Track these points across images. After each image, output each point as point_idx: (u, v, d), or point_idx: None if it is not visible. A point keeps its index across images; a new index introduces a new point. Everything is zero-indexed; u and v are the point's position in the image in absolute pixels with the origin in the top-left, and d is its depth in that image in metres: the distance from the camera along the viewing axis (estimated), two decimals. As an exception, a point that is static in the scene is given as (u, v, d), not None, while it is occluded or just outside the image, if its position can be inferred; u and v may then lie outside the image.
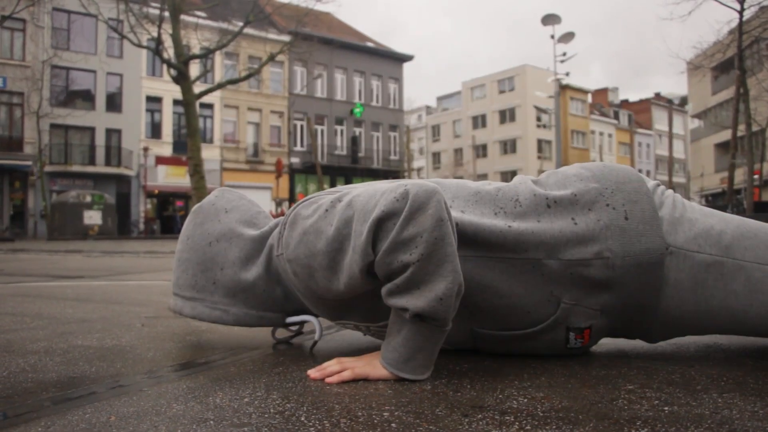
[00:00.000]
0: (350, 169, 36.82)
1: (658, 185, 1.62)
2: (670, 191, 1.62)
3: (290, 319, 1.72)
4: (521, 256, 1.46)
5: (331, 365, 1.42)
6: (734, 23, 19.33)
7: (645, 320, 1.54)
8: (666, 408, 1.14)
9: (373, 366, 1.40)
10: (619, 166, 1.61)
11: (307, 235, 1.46)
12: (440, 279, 1.29)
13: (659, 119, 64.19)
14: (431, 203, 1.30)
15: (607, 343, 1.77)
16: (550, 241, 1.46)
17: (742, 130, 22.47)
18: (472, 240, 1.46)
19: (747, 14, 19.26)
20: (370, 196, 1.38)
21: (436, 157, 60.43)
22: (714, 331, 1.58)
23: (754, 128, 23.76)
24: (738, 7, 18.61)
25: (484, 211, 1.52)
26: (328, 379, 1.37)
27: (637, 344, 1.76)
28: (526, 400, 1.21)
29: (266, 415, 1.13)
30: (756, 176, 25.41)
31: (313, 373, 1.42)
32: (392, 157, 39.49)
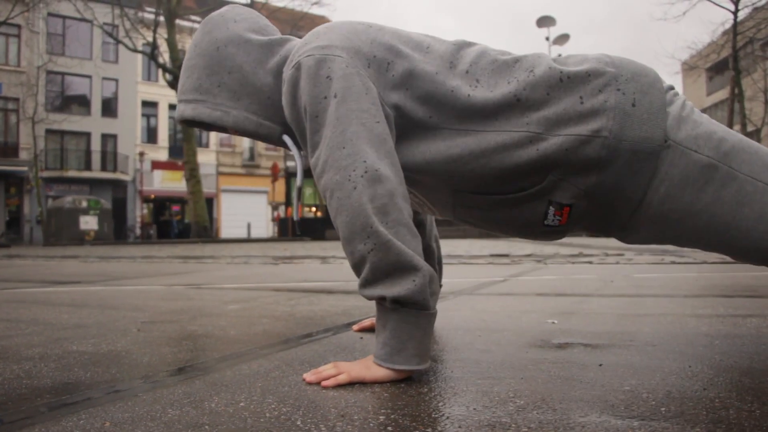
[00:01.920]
0: (347, 173, 36.68)
1: (673, 88, 1.60)
2: (683, 96, 1.61)
3: (286, 138, 1.68)
4: (522, 129, 1.47)
5: (327, 369, 1.42)
6: (729, 24, 19.40)
7: (626, 210, 1.52)
8: (662, 409, 1.14)
9: (368, 368, 1.40)
10: (641, 63, 1.60)
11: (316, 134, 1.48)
12: (409, 267, 1.36)
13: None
14: (374, 207, 1.37)
15: (601, 343, 1.77)
16: (552, 117, 1.47)
17: (737, 130, 22.54)
18: (480, 112, 1.49)
19: (741, 15, 19.33)
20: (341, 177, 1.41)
21: (433, 159, 60.32)
22: (690, 241, 1.56)
23: (750, 129, 23.85)
24: (732, 7, 18.67)
25: (499, 81, 1.52)
26: (324, 383, 1.37)
27: (634, 345, 1.76)
28: (522, 402, 1.21)
29: (262, 420, 1.12)
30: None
31: (308, 376, 1.41)
32: (388, 159, 39.38)
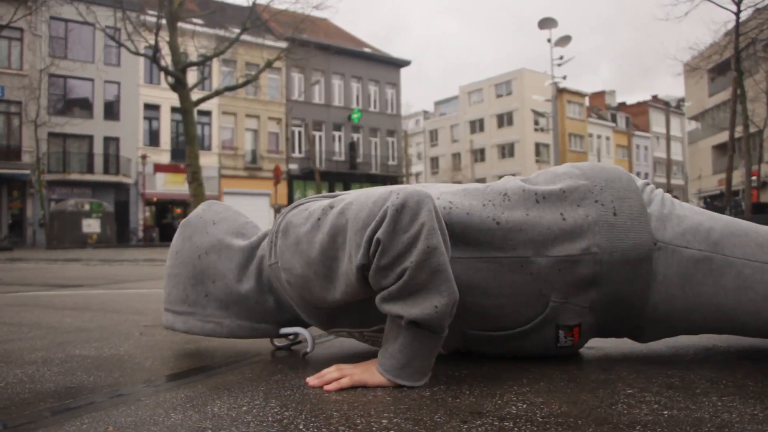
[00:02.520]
0: (348, 175, 36.83)
1: (648, 184, 1.62)
2: (660, 190, 1.63)
3: (284, 330, 1.71)
4: (510, 254, 1.46)
5: (330, 372, 1.42)
6: (731, 24, 19.37)
7: (633, 317, 1.54)
8: (665, 412, 1.14)
9: (371, 373, 1.40)
10: (610, 166, 1.62)
11: (300, 245, 1.46)
12: (434, 291, 1.30)
13: (657, 121, 64.31)
14: (422, 212, 1.30)
15: (605, 347, 1.77)
16: (538, 238, 1.47)
17: (739, 131, 22.50)
18: (461, 238, 1.46)
19: (743, 15, 19.30)
20: (362, 204, 1.37)
21: (435, 161, 60.51)
22: (703, 330, 1.58)
23: (752, 130, 23.82)
24: (734, 8, 18.64)
25: (473, 203, 1.52)
26: (326, 387, 1.37)
27: (636, 348, 1.76)
28: (525, 406, 1.20)
29: (264, 424, 1.12)
30: (754, 178, 25.44)
31: (311, 380, 1.41)
32: (390, 162, 39.51)
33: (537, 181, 1.60)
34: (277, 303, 1.67)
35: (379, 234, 1.30)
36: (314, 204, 1.52)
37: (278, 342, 1.90)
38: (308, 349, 1.71)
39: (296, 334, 1.78)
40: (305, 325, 1.73)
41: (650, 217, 1.51)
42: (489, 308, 1.49)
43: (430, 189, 1.59)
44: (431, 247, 1.29)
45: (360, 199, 1.40)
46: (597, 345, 1.80)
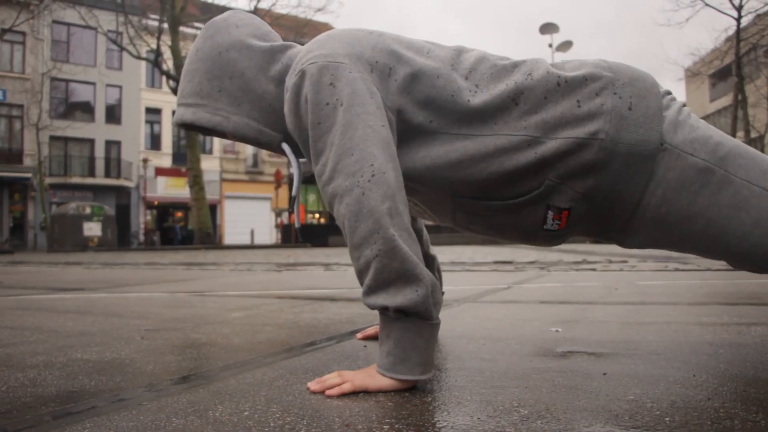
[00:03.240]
0: (350, 179, 36.73)
1: (670, 93, 1.61)
2: (681, 101, 1.62)
3: (285, 146, 1.68)
4: (521, 133, 1.47)
5: (331, 378, 1.42)
6: (732, 30, 19.40)
7: (624, 214, 1.53)
8: (667, 419, 1.14)
9: (372, 377, 1.40)
10: (638, 69, 1.60)
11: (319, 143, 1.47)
12: (412, 277, 1.35)
13: (658, 126, 64.12)
14: (383, 210, 1.36)
15: (605, 352, 1.77)
16: (550, 120, 1.47)
17: (740, 137, 22.52)
18: (479, 116, 1.49)
19: (744, 21, 19.33)
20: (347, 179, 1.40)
21: (436, 166, 60.37)
22: (687, 246, 1.56)
23: (753, 135, 23.82)
24: (735, 14, 18.68)
25: (497, 85, 1.52)
26: (328, 392, 1.37)
27: (636, 353, 1.76)
28: (527, 412, 1.20)
29: (266, 429, 1.12)
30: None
31: (313, 385, 1.41)
32: (392, 166, 39.42)
33: (564, 67, 1.59)
34: None
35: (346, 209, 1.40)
36: (328, 121, 1.46)
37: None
38: (294, 192, 1.72)
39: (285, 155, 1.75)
40: (301, 155, 1.72)
41: (664, 119, 1.50)
42: (488, 179, 1.50)
43: (462, 64, 1.57)
44: (392, 238, 1.35)
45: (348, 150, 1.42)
46: (596, 350, 1.80)
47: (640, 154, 1.46)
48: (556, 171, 1.48)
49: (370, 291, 1.40)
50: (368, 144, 1.39)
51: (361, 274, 1.42)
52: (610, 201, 1.51)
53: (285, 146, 1.68)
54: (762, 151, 27.88)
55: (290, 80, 1.51)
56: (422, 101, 1.51)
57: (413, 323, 1.37)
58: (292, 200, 1.75)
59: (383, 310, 1.40)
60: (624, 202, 1.51)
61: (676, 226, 1.52)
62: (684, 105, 1.60)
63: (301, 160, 1.72)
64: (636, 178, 1.47)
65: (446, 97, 1.50)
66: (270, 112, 1.66)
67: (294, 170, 1.69)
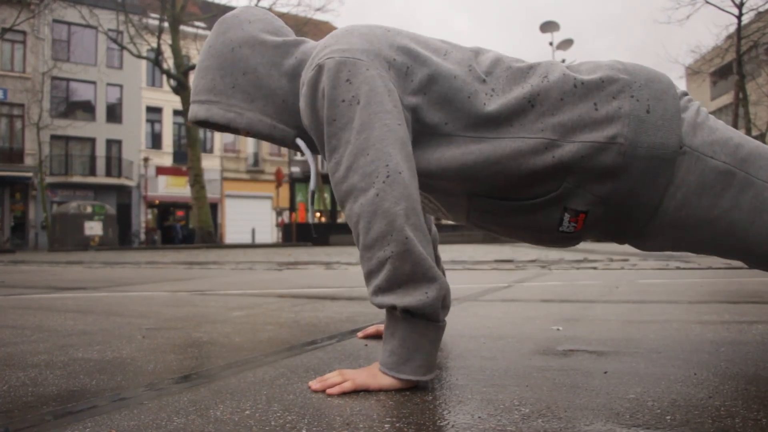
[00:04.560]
0: (350, 178, 36.72)
1: (687, 94, 1.60)
2: (698, 102, 1.60)
3: (300, 142, 1.67)
4: (538, 135, 1.46)
5: (333, 376, 1.42)
6: (733, 28, 19.38)
7: (643, 218, 1.51)
8: (668, 417, 1.14)
9: (374, 376, 1.40)
10: (654, 70, 1.59)
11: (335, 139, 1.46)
12: (423, 280, 1.35)
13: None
14: (398, 211, 1.34)
15: (606, 351, 1.77)
16: (567, 123, 1.46)
17: (741, 135, 22.46)
18: (495, 119, 1.48)
19: (745, 19, 19.31)
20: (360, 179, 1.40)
21: (437, 164, 60.35)
22: (708, 247, 1.55)
23: (755, 133, 23.80)
24: (736, 11, 18.65)
25: (513, 88, 1.51)
26: (329, 391, 1.37)
27: (637, 352, 1.76)
28: (527, 410, 1.20)
29: (267, 428, 1.12)
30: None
31: (314, 384, 1.41)
32: (392, 165, 39.40)
33: (579, 69, 1.58)
34: None
35: (361, 211, 1.39)
36: (344, 117, 1.45)
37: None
38: (312, 187, 1.71)
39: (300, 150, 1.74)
40: (316, 151, 1.71)
41: (682, 121, 1.49)
42: (504, 181, 1.50)
43: (479, 65, 1.56)
44: (409, 238, 1.34)
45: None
46: (597, 349, 1.80)
47: (660, 158, 1.44)
48: (574, 174, 1.46)
49: (379, 291, 1.38)
50: (384, 144, 1.38)
51: (370, 274, 1.40)
52: (628, 205, 1.50)
53: (299, 141, 1.67)
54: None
55: (307, 74, 1.50)
56: (439, 102, 1.50)
57: (419, 324, 1.36)
58: (311, 195, 1.74)
59: (390, 309, 1.40)
60: (643, 206, 1.49)
61: (696, 229, 1.51)
62: (701, 106, 1.59)
63: (317, 156, 1.72)
64: (655, 182, 1.46)
65: (462, 100, 1.49)
66: (284, 108, 1.65)
67: (311, 165, 1.68)
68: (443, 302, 1.38)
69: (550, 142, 1.45)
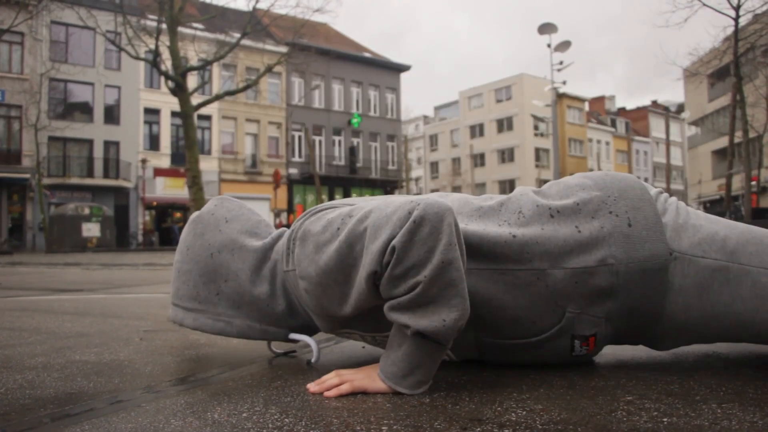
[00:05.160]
0: (348, 180, 36.85)
1: (661, 193, 1.62)
2: (674, 198, 1.62)
3: (293, 336, 1.70)
4: (526, 266, 1.45)
5: (330, 378, 1.42)
6: (730, 30, 19.41)
7: (650, 327, 1.53)
8: (665, 419, 1.14)
9: (371, 379, 1.40)
10: (621, 175, 1.61)
11: (320, 254, 1.44)
12: (444, 305, 1.29)
13: (656, 127, 64.43)
14: (443, 226, 1.28)
15: (606, 354, 1.77)
16: (554, 250, 1.46)
17: (739, 136, 22.53)
18: (476, 251, 1.45)
19: (742, 21, 19.34)
20: (381, 212, 1.35)
21: (434, 166, 60.54)
22: (720, 338, 1.57)
23: (752, 135, 23.82)
24: (733, 13, 18.68)
25: (488, 224, 1.51)
26: (326, 393, 1.37)
27: (637, 354, 1.76)
28: (524, 413, 1.21)
29: (264, 430, 1.12)
30: (754, 183, 25.46)
31: (311, 386, 1.41)
32: (390, 167, 39.54)
33: (550, 194, 1.59)
34: (288, 308, 1.67)
35: (395, 242, 1.28)
36: (333, 212, 1.51)
37: (276, 348, 1.90)
38: (313, 360, 1.71)
39: (297, 342, 1.77)
40: (313, 333, 1.73)
41: (665, 227, 1.50)
42: (505, 318, 1.48)
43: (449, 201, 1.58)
44: (446, 261, 1.27)
45: (380, 207, 1.38)
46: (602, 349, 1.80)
47: (652, 269, 1.46)
48: (572, 301, 1.46)
49: (399, 307, 1.33)
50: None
51: (395, 290, 1.33)
52: (632, 318, 1.51)
53: (293, 335, 1.71)
54: (761, 151, 27.88)
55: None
56: None
57: (427, 344, 1.34)
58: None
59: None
60: (647, 317, 1.51)
61: (705, 327, 1.53)
62: (678, 201, 1.61)
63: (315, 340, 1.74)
64: (652, 292, 1.48)
65: None
66: (269, 313, 1.67)
67: (313, 349, 1.71)
68: (457, 326, 1.32)
69: (541, 272, 1.45)
